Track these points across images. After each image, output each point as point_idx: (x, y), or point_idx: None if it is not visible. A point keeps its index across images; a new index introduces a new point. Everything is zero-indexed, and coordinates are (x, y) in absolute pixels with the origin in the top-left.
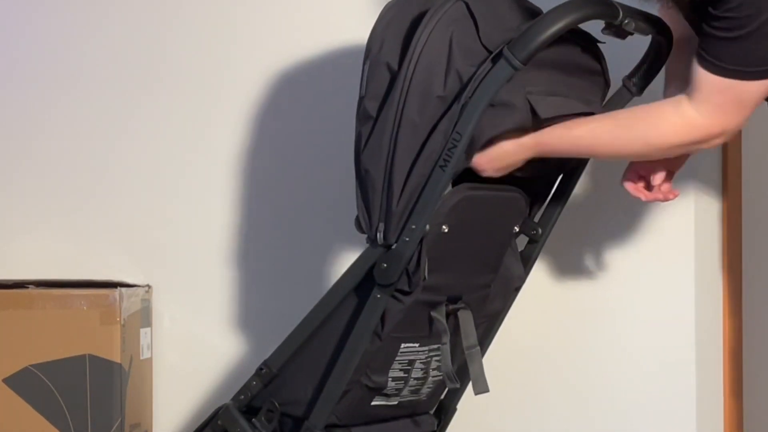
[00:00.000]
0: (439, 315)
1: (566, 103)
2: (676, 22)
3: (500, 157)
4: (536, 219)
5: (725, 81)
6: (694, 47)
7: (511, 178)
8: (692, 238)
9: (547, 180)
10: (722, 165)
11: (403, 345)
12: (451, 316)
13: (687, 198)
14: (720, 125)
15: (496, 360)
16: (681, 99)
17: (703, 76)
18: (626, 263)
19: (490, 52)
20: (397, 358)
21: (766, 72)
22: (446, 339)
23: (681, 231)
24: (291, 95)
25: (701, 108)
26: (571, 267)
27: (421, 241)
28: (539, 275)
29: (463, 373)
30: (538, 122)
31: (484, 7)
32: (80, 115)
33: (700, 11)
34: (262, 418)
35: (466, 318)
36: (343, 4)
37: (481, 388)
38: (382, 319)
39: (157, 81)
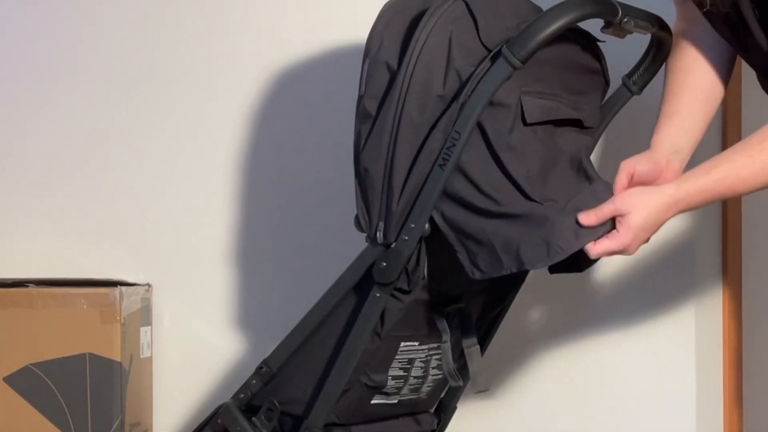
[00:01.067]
0: (439, 314)
1: (555, 107)
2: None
3: (647, 230)
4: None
5: None
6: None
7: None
8: (692, 239)
9: None
10: None
11: (402, 344)
12: (451, 314)
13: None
14: None
15: (495, 359)
16: None
17: None
18: (626, 264)
19: (490, 51)
20: (396, 357)
21: None
22: (447, 338)
23: (681, 231)
24: (291, 95)
25: None
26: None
27: (421, 240)
28: (539, 275)
29: (464, 371)
30: (524, 123)
31: (483, 6)
32: (80, 115)
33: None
34: (262, 417)
35: (466, 317)
36: (343, 3)
37: (481, 387)
38: (382, 317)
39: (157, 81)
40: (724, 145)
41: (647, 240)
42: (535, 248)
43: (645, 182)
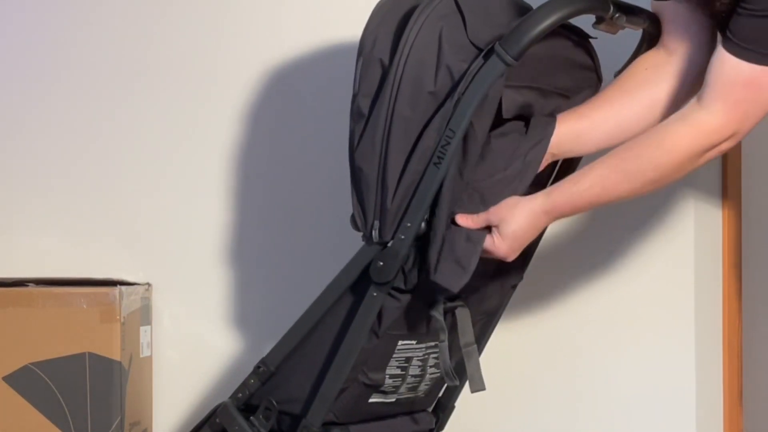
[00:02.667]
0: (436, 313)
1: (531, 104)
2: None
3: (519, 238)
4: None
5: (754, 68)
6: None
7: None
8: (692, 240)
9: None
10: (722, 168)
11: (400, 342)
12: (449, 313)
13: (687, 200)
14: (733, 125)
15: (493, 358)
16: (687, 107)
17: (726, 63)
18: (626, 264)
19: (478, 49)
20: (394, 356)
21: None
22: (444, 337)
23: (681, 233)
24: (288, 94)
25: (714, 105)
26: (570, 267)
27: (417, 238)
28: (538, 275)
29: (461, 370)
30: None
31: (473, 3)
32: (80, 115)
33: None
34: (260, 416)
35: (463, 316)
36: (338, 2)
37: (478, 386)
38: (379, 316)
39: (156, 81)
40: (724, 183)
41: (524, 247)
42: (453, 272)
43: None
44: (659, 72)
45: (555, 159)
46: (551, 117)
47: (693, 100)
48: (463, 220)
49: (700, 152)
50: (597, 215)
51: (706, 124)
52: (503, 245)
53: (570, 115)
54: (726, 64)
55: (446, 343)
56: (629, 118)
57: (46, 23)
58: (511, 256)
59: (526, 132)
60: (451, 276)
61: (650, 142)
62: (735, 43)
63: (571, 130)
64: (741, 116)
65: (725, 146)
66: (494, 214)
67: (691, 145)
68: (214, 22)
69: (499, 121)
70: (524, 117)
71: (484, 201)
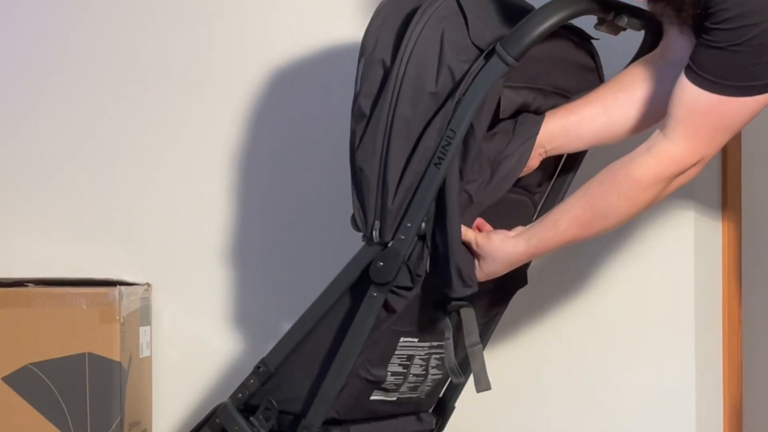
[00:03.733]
0: (442, 311)
1: (529, 104)
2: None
3: (494, 274)
4: (535, 218)
5: (712, 97)
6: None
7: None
8: (692, 243)
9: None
10: (722, 171)
11: (402, 339)
12: (454, 312)
13: (686, 203)
14: (697, 152)
15: (494, 358)
16: (652, 139)
17: (687, 91)
18: (626, 267)
19: (480, 50)
20: (396, 352)
21: (755, 88)
22: (449, 334)
23: (680, 231)
24: (288, 94)
25: (676, 134)
26: (571, 270)
27: (418, 238)
28: (539, 279)
29: (463, 368)
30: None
31: (475, 4)
32: (79, 115)
33: (699, 26)
34: (260, 416)
35: (468, 315)
36: (338, 2)
37: (484, 386)
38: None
39: (156, 81)
40: (723, 150)
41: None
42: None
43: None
44: (650, 72)
45: (548, 155)
46: (539, 115)
47: (657, 131)
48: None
49: (667, 180)
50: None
51: (670, 153)
52: (480, 274)
53: (560, 111)
54: (686, 93)
55: (451, 341)
56: (617, 115)
57: (45, 24)
58: (483, 280)
59: (513, 131)
60: (458, 284)
61: (619, 176)
62: (696, 73)
63: (561, 125)
64: (704, 144)
65: (693, 172)
66: (482, 247)
67: (657, 174)
68: (215, 22)
69: (493, 121)
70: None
71: (472, 201)
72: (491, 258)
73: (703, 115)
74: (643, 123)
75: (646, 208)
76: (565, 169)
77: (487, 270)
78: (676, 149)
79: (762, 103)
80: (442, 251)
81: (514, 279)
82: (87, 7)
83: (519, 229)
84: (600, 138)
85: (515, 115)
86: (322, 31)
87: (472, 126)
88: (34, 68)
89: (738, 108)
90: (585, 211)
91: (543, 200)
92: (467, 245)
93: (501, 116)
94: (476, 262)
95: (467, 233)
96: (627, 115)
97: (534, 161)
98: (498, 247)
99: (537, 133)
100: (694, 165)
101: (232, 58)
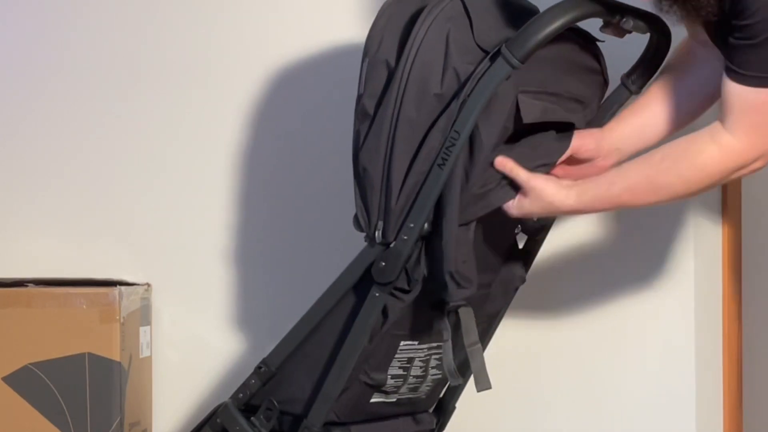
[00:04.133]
0: (440, 312)
1: (552, 109)
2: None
3: (535, 214)
4: (536, 218)
5: (757, 92)
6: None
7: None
8: (692, 243)
9: None
10: None
11: (402, 343)
12: (452, 313)
13: (687, 204)
14: (758, 147)
15: (494, 359)
16: (715, 127)
17: (733, 91)
18: (625, 266)
19: (484, 51)
20: (396, 356)
21: None
22: (448, 336)
23: (681, 227)
24: (290, 94)
25: (736, 130)
26: (571, 271)
27: (421, 239)
28: (539, 279)
29: (464, 370)
30: (519, 124)
31: (480, 5)
32: (79, 115)
33: (726, 27)
34: (261, 417)
35: (467, 315)
36: (342, 2)
37: (484, 385)
38: (384, 316)
39: (156, 80)
40: (723, 188)
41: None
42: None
43: (582, 158)
44: (685, 68)
45: (622, 158)
46: (566, 133)
47: (717, 123)
48: (501, 163)
49: (730, 172)
50: (598, 218)
51: (732, 146)
52: (518, 212)
53: (628, 113)
54: (731, 91)
55: (450, 343)
56: (679, 105)
57: (45, 23)
58: (516, 216)
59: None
60: (453, 288)
61: (683, 158)
62: (737, 72)
63: (633, 126)
64: (764, 138)
65: (756, 166)
66: (533, 188)
67: (720, 165)
68: (216, 22)
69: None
70: (541, 127)
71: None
72: (538, 200)
73: (755, 111)
74: (704, 109)
75: (697, 195)
76: None
77: (527, 208)
78: (738, 143)
79: None
80: (437, 254)
81: (512, 276)
82: (87, 6)
83: (571, 181)
84: (672, 130)
85: (545, 127)
86: (326, 31)
87: (477, 129)
88: (33, 68)
89: None
90: (641, 181)
91: None
92: (513, 181)
93: (524, 121)
94: (518, 197)
95: (518, 170)
96: (692, 107)
97: (606, 161)
98: (549, 192)
99: (558, 156)
100: (757, 159)
101: (233, 57)
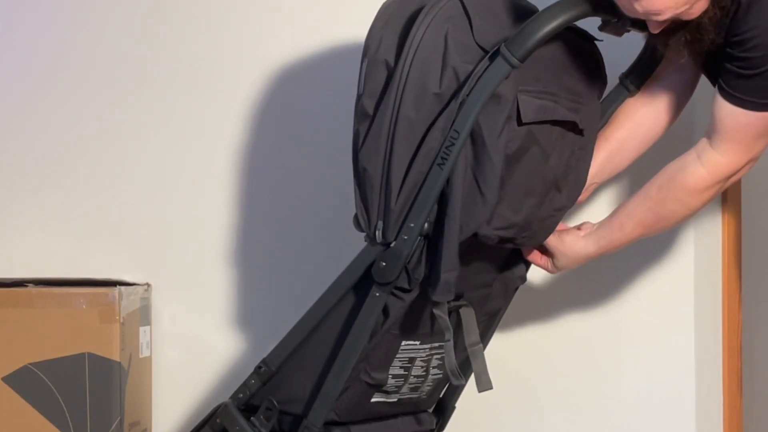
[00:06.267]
0: (441, 312)
1: (552, 108)
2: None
3: (566, 268)
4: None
5: (749, 114)
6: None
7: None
8: (692, 240)
9: None
10: None
11: (403, 342)
12: (453, 313)
13: None
14: (742, 159)
15: (494, 359)
16: (700, 146)
17: (726, 111)
18: (626, 265)
19: (484, 51)
20: (397, 356)
21: None
22: (449, 335)
23: (681, 233)
24: (290, 94)
25: (723, 146)
26: (570, 270)
27: (423, 238)
28: (540, 276)
29: (463, 370)
30: (518, 123)
31: (479, 5)
32: (79, 115)
33: (718, 54)
34: (261, 417)
35: (468, 315)
36: (342, 2)
37: (485, 386)
38: (385, 315)
39: (156, 80)
40: None
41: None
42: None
43: None
44: (663, 82)
45: (599, 185)
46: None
47: (704, 140)
48: (530, 255)
49: (720, 183)
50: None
51: (719, 162)
52: (553, 269)
53: (599, 142)
54: (724, 112)
55: (451, 343)
56: (648, 126)
57: (49, 25)
58: (554, 273)
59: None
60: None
61: (675, 184)
62: (732, 95)
63: (604, 155)
64: (748, 151)
65: (746, 169)
66: (554, 247)
67: (710, 181)
68: (217, 23)
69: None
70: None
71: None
72: (563, 256)
73: (743, 129)
74: (670, 125)
75: (705, 205)
76: None
77: (559, 265)
78: (723, 159)
79: None
80: (436, 252)
81: (512, 275)
82: (90, 8)
83: (588, 227)
84: (641, 150)
85: (539, 120)
86: (325, 31)
87: (479, 127)
88: (34, 69)
89: None
90: (648, 215)
91: None
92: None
93: (523, 120)
94: (548, 259)
95: (535, 254)
96: (656, 124)
97: (586, 194)
98: (570, 247)
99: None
100: (744, 166)
101: (234, 57)
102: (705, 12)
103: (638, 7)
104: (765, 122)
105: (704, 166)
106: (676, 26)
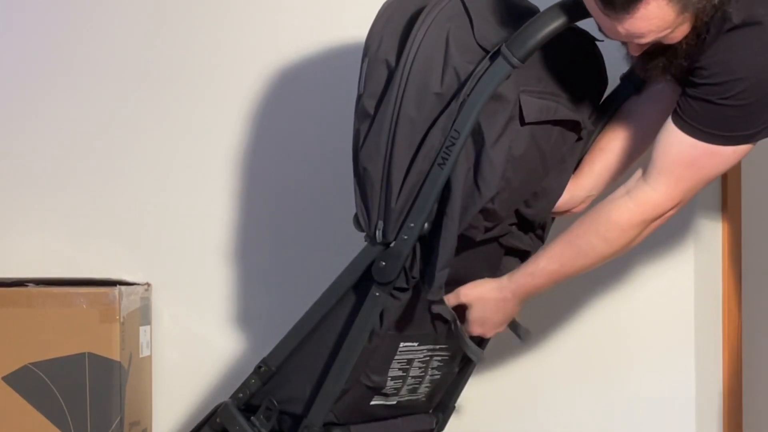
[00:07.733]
0: (441, 307)
1: (554, 108)
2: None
3: (488, 321)
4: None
5: (698, 145)
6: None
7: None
8: (692, 242)
9: None
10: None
11: (402, 344)
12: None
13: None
14: (675, 198)
15: (493, 359)
16: (631, 182)
17: (673, 137)
18: (626, 267)
19: (485, 50)
20: (396, 358)
21: (736, 138)
22: (454, 317)
23: (681, 224)
24: (290, 93)
25: (659, 180)
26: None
27: (421, 238)
28: None
29: (466, 366)
30: (521, 123)
31: (480, 5)
32: (79, 114)
33: (682, 80)
34: (261, 416)
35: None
36: (342, 3)
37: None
38: (381, 316)
39: (156, 79)
40: (724, 189)
41: (499, 326)
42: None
43: (559, 212)
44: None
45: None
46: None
47: (638, 174)
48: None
49: (645, 223)
50: None
51: (649, 198)
52: (474, 327)
53: (593, 154)
54: (673, 138)
55: (460, 327)
56: (632, 145)
57: (49, 25)
58: (488, 334)
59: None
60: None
61: (599, 217)
62: (684, 120)
63: (597, 172)
64: (683, 191)
65: (671, 214)
66: (464, 296)
67: (636, 217)
68: (218, 23)
69: None
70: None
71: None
72: (477, 305)
73: (687, 164)
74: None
75: (626, 250)
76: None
77: (476, 317)
78: (656, 195)
79: (742, 152)
80: (433, 251)
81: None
82: (90, 9)
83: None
84: (636, 158)
85: (542, 121)
86: (326, 30)
87: (480, 127)
88: (35, 69)
89: (721, 157)
90: (565, 249)
91: None
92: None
93: (526, 120)
94: (466, 314)
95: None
96: (649, 135)
97: (583, 205)
98: (480, 291)
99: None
100: (672, 209)
101: (235, 57)
102: (685, 37)
103: (621, 29)
104: (711, 159)
105: (633, 200)
106: (656, 50)
